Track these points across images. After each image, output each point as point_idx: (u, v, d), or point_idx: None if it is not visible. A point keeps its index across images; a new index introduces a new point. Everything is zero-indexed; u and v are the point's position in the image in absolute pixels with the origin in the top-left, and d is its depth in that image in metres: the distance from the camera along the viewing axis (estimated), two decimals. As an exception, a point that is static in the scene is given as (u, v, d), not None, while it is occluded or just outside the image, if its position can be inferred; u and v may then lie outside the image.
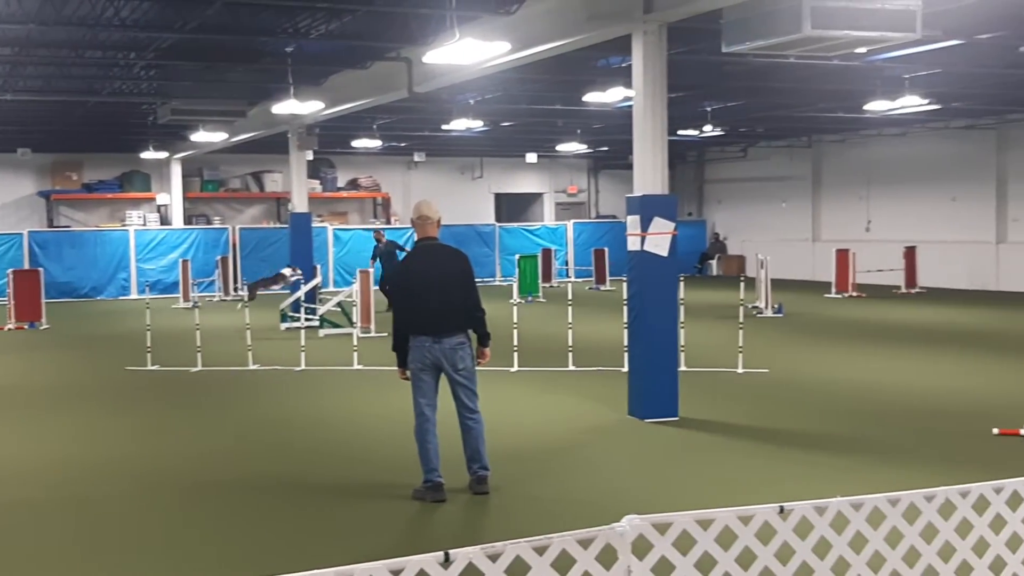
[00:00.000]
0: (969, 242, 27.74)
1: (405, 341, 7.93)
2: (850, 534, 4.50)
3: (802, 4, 9.13)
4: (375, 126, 25.78)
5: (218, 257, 28.58)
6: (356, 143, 28.36)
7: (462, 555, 3.77)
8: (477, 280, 8.17)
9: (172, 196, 31.91)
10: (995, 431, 9.86)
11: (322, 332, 18.74)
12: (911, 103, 19.50)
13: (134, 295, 28.52)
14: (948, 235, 28.11)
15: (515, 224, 34.91)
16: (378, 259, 22.55)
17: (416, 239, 8.11)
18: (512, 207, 38.05)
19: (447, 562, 3.73)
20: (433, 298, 7.72)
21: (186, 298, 25.69)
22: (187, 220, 32.09)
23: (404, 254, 22.38)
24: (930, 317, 20.75)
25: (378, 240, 23.06)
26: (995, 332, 17.87)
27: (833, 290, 25.88)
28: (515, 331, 14.37)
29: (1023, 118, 25.55)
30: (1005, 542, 4.78)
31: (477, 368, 8.04)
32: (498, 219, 36.09)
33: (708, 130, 25.90)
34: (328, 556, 6.57)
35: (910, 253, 26.66)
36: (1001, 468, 7.77)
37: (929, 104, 20.63)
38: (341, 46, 15.98)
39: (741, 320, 14.50)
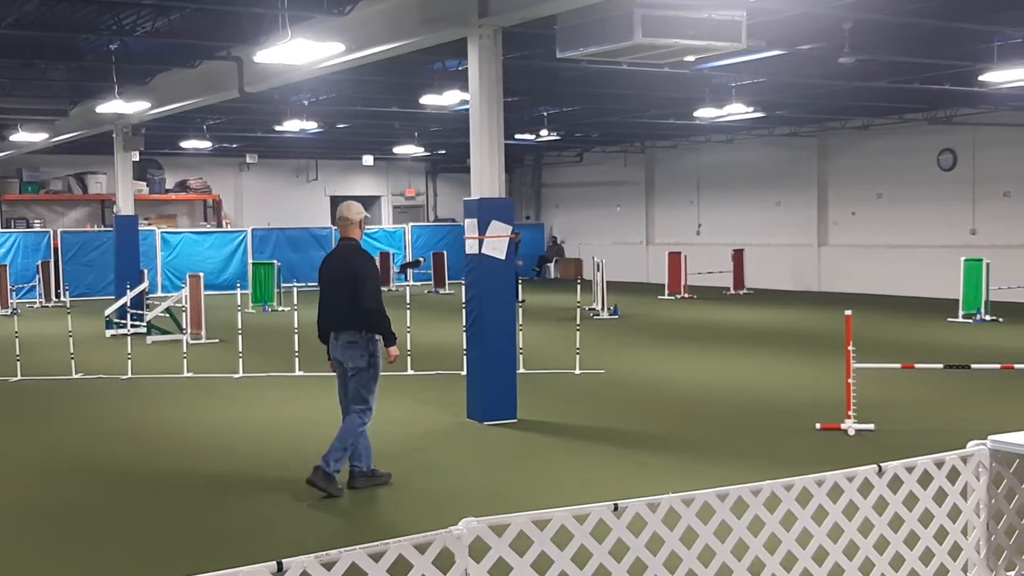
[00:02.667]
0: (793, 245, 28.91)
1: (323, 335, 8.31)
2: (681, 529, 4.59)
3: (633, 12, 9.31)
4: (205, 127, 25.12)
5: (39, 262, 27.34)
6: (185, 144, 27.58)
7: (296, 564, 3.68)
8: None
9: (-11, 198, 30.38)
10: (818, 426, 10.27)
11: (150, 339, 18.14)
12: (737, 111, 20.18)
13: (-53, 303, 26.97)
14: (773, 238, 29.23)
15: (352, 227, 34.51)
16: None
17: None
18: (349, 210, 37.62)
19: (280, 572, 3.64)
20: (330, 296, 8.12)
21: (4, 305, 24.49)
22: (5, 223, 30.59)
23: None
24: (757, 317, 21.52)
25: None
26: (817, 331, 18.66)
27: (666, 292, 26.57)
28: (352, 335, 14.21)
29: (842, 127, 26.78)
30: (827, 533, 4.97)
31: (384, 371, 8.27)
32: (334, 222, 35.59)
33: (545, 135, 26.22)
34: (150, 571, 6.33)
35: (738, 256, 27.61)
36: (823, 461, 8.08)
37: (754, 112, 21.39)
38: (168, 44, 15.48)
39: (578, 322, 14.70)
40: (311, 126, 23.31)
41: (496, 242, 10.77)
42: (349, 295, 7.92)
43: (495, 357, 10.83)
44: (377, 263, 8.19)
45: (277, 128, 24.19)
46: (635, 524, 4.50)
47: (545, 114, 23.72)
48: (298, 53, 12.07)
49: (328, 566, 3.78)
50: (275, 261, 25.99)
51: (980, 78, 16.18)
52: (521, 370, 12.68)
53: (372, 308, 7.93)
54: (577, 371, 13.86)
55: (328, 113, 22.88)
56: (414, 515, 7.49)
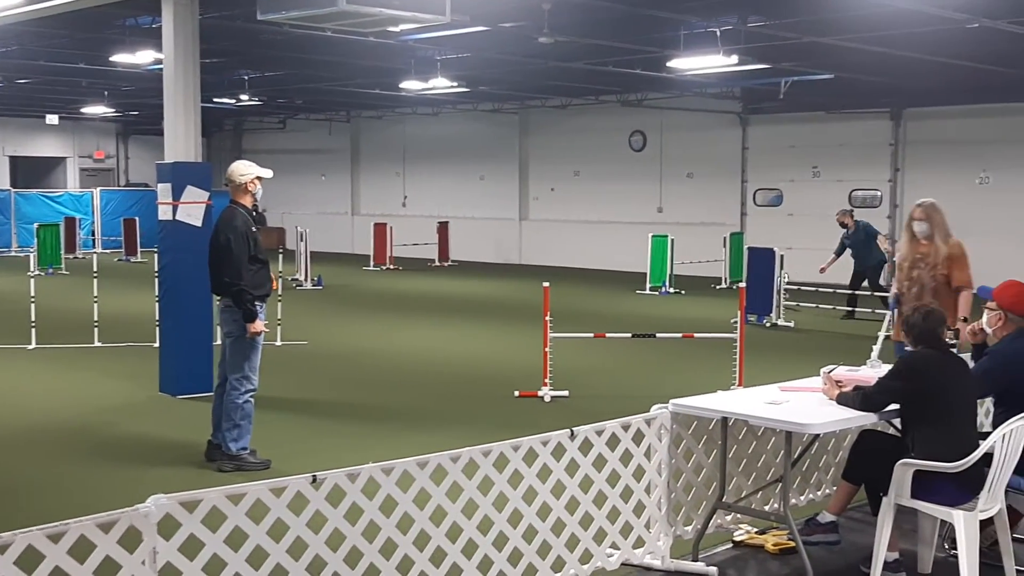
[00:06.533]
0: (496, 219, 29.63)
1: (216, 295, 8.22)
2: (381, 498, 4.61)
3: (337, -23, 9.15)
4: None
5: None
6: None
7: (-41, 552, 3.40)
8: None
9: None
10: (516, 393, 10.58)
11: None
12: (442, 84, 20.35)
13: None
14: (477, 212, 29.83)
15: (34, 190, 32.31)
16: (847, 250, 17.26)
17: None
18: (30, 172, 35.12)
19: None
20: (210, 260, 7.97)
21: None
22: None
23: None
24: (461, 289, 21.92)
25: (844, 225, 17.31)
26: (517, 303, 19.24)
27: (372, 263, 26.58)
28: (32, 306, 13.31)
29: (542, 105, 27.63)
30: (522, 496, 5.12)
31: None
32: (14, 184, 33.14)
33: (245, 99, 25.48)
34: None
35: (443, 228, 27.98)
36: (521, 427, 8.32)
37: (459, 86, 21.66)
38: None
39: (280, 293, 14.40)
40: (-13, 80, 21.52)
41: (192, 208, 10.36)
42: (217, 262, 7.83)
43: (190, 328, 10.42)
44: (245, 232, 7.73)
45: (-52, 81, 22.17)
46: (334, 495, 4.48)
47: (246, 78, 23.00)
48: (-29, -1, 11.06)
49: (1, 550, 3.53)
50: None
51: (668, 64, 17.10)
52: (217, 341, 12.29)
53: (231, 282, 7.72)
54: (279, 343, 13.60)
55: (8, 67, 21.15)
56: (99, 494, 7.10)
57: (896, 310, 7.97)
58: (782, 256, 16.43)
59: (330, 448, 8.44)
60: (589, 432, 5.38)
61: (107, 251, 29.91)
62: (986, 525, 5.49)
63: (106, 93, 26.64)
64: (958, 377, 5.57)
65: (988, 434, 5.35)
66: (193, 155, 10.58)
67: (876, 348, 7.87)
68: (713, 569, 5.72)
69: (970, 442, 5.34)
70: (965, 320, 7.31)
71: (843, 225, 17.33)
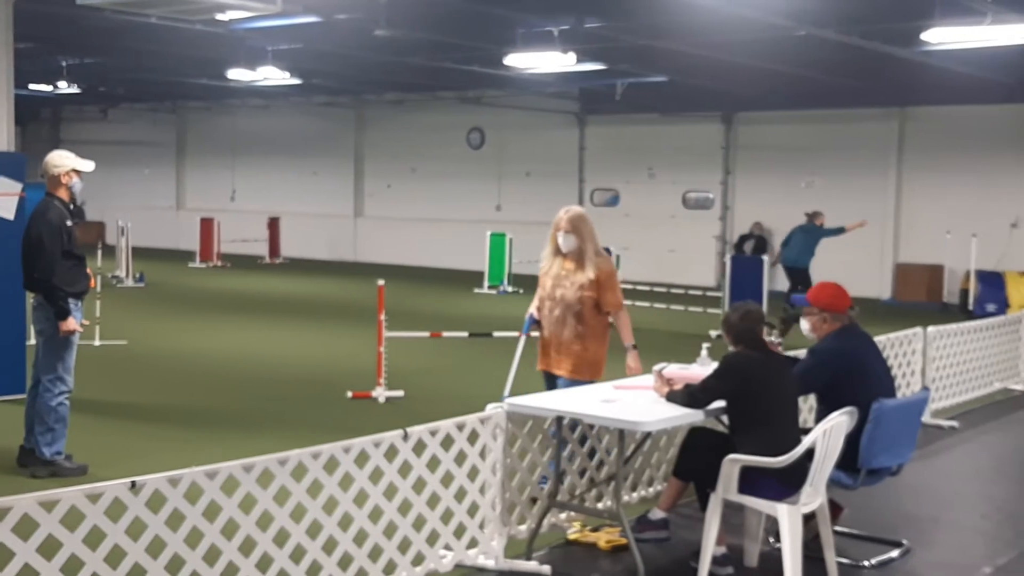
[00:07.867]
0: (330, 215, 29.20)
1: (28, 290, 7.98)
2: (204, 504, 4.45)
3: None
4: None
5: None
6: None
7: None
8: None
9: None
10: (349, 394, 10.39)
11: None
12: (272, 75, 19.87)
13: None
14: (310, 208, 29.32)
15: None
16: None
17: None
18: None
19: None
20: (22, 254, 7.61)
21: None
22: None
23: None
24: (292, 287, 21.50)
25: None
26: (351, 301, 18.98)
27: (198, 260, 25.78)
28: None
29: (378, 99, 27.36)
30: (353, 499, 5.00)
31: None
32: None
33: (63, 87, 24.38)
34: None
35: (274, 224, 27.39)
36: (353, 429, 8.15)
37: (291, 78, 21.19)
38: None
39: (99, 290, 13.78)
40: None
41: (4, 201, 9.77)
42: (28, 256, 7.48)
43: (1, 327, 9.82)
44: (59, 226, 7.34)
45: None
46: (154, 501, 4.30)
47: (64, 64, 21.97)
48: None
49: None
50: None
51: (504, 61, 17.15)
52: (31, 341, 11.68)
53: (41, 279, 7.36)
54: (96, 342, 13.01)
55: None
56: None
57: (529, 333, 7.25)
58: (618, 256, 16.66)
59: (151, 452, 8.10)
60: (423, 432, 5.30)
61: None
62: (809, 519, 5.65)
63: (-90, 76, 25.04)
64: (780, 376, 5.72)
65: (811, 430, 5.50)
66: (5, 144, 10.12)
67: (509, 382, 7.29)
68: (547, 568, 5.71)
69: (793, 438, 5.49)
70: (635, 347, 6.88)
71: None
